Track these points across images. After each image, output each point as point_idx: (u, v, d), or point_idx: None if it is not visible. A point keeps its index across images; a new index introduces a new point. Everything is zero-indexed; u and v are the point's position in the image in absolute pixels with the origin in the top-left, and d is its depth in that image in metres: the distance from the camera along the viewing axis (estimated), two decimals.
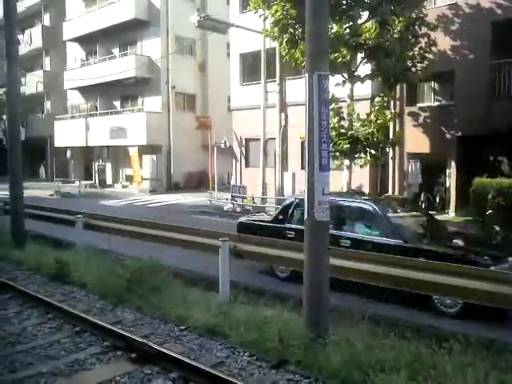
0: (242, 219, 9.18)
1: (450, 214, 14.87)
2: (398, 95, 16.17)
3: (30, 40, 34.28)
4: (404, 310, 6.05)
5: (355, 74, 13.87)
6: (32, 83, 33.37)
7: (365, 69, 13.91)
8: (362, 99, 15.07)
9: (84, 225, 9.13)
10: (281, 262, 6.47)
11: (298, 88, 16.18)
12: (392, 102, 15.71)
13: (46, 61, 35.00)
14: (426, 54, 13.80)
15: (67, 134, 30.29)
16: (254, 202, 17.48)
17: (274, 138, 18.44)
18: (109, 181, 29.32)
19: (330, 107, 11.05)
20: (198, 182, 26.43)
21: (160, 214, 15.96)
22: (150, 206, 20.05)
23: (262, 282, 7.39)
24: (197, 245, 7.10)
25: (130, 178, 28.02)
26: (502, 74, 14.13)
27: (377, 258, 5.40)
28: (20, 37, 30.88)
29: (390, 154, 16.20)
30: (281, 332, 4.60)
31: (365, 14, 13.15)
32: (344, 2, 12.89)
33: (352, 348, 4.26)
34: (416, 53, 13.69)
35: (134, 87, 27.09)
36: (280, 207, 8.65)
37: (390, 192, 16.19)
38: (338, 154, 13.24)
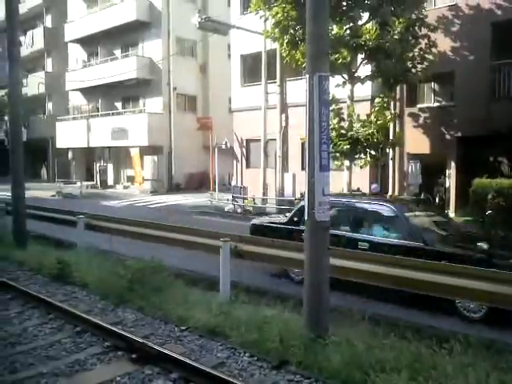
0: (255, 221, 9.00)
1: (450, 215, 14.85)
2: (398, 96, 16.17)
3: (32, 41, 34.37)
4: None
5: (355, 75, 13.89)
6: (34, 84, 33.42)
7: (365, 70, 13.94)
8: (362, 100, 15.09)
9: (85, 225, 9.15)
10: (280, 261, 6.48)
11: (298, 89, 16.20)
12: (392, 103, 15.72)
13: (48, 62, 35.07)
14: (426, 55, 13.82)
15: (69, 135, 30.34)
16: (254, 203, 17.50)
17: (275, 139, 18.45)
18: (110, 182, 29.36)
19: (331, 108, 11.06)
20: (199, 182, 26.46)
21: (161, 214, 15.97)
22: (151, 206, 20.06)
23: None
24: (198, 245, 7.12)
25: (131, 179, 28.06)
26: (502, 75, 14.13)
27: (376, 257, 5.41)
28: (22, 38, 30.90)
29: (390, 155, 16.20)
30: (281, 332, 4.60)
31: (365, 16, 13.18)
32: (344, 4, 12.93)
33: (352, 348, 4.26)
34: (416, 54, 13.71)
35: (136, 88, 27.14)
36: (294, 208, 8.43)
37: (390, 192, 16.19)
38: (338, 154, 13.26)
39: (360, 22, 13.10)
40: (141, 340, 4.68)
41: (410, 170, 15.75)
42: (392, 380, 3.74)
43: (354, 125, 13.16)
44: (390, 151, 15.99)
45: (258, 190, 18.43)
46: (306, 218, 4.69)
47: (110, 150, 29.47)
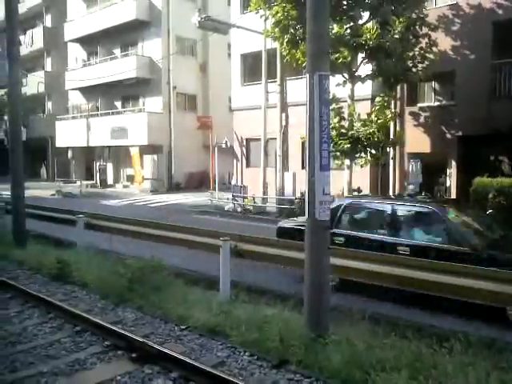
0: (282, 224, 8.44)
1: None
2: (398, 95, 16.16)
3: (32, 41, 34.37)
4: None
5: (356, 74, 13.88)
6: (33, 84, 33.41)
7: (365, 69, 13.92)
8: (363, 99, 15.08)
9: (85, 225, 9.14)
10: (280, 261, 6.47)
11: (298, 88, 16.18)
12: (392, 102, 15.69)
13: (48, 61, 35.06)
14: (427, 55, 13.79)
15: (68, 134, 30.33)
16: (254, 202, 17.50)
17: (275, 138, 18.43)
18: (110, 181, 29.34)
19: (331, 107, 11.03)
20: (199, 181, 26.45)
21: (161, 213, 15.97)
22: (151, 205, 20.06)
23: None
24: (198, 244, 7.12)
25: (131, 178, 28.05)
26: (503, 74, 14.13)
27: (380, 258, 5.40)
28: (21, 38, 30.91)
29: (391, 154, 16.19)
30: (281, 331, 4.60)
31: (365, 15, 13.17)
32: (345, 3, 12.92)
33: (353, 347, 4.26)
34: (417, 53, 13.69)
35: (135, 87, 27.12)
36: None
37: (390, 192, 16.19)
38: (338, 153, 13.26)
39: (360, 22, 13.08)
40: (141, 339, 4.67)
41: (410, 169, 15.73)
42: (392, 379, 3.73)
43: (354, 124, 13.15)
44: (390, 150, 15.99)
45: (258, 189, 18.42)
46: (306, 218, 4.69)
47: (109, 149, 29.45)
